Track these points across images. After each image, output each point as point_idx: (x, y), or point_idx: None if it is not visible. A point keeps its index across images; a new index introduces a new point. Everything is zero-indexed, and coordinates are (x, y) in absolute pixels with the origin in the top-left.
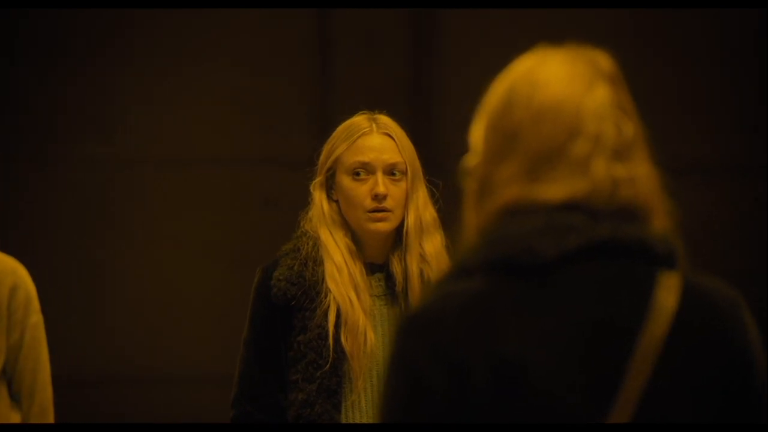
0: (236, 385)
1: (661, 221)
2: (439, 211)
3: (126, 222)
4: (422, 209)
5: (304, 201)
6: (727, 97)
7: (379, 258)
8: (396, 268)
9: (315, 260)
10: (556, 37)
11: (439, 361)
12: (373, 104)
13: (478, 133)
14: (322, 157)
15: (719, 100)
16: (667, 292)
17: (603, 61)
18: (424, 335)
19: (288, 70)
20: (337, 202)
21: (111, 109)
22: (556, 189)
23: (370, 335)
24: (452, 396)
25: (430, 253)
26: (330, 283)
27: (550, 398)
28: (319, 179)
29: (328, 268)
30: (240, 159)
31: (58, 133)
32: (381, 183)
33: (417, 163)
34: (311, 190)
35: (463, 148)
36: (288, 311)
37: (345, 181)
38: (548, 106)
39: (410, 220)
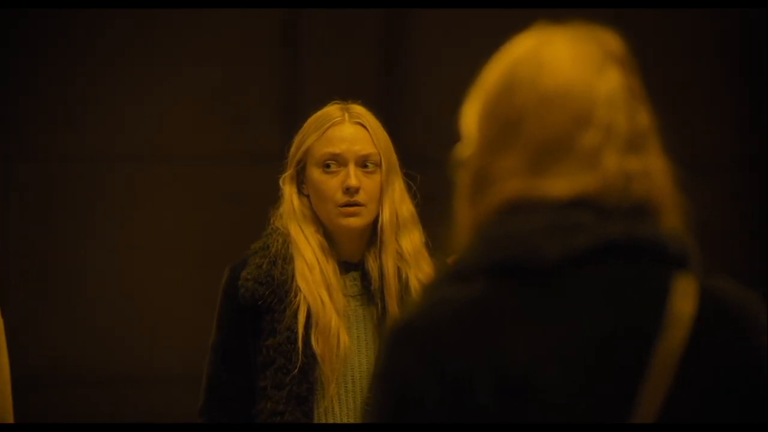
0: (204, 391)
1: (673, 219)
2: (417, 205)
3: (89, 218)
4: (398, 203)
5: (272, 196)
6: (728, 95)
7: (354, 256)
8: (371, 266)
9: (285, 258)
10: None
11: (433, 374)
12: (343, 97)
13: (471, 119)
14: (292, 149)
15: (720, 98)
16: (684, 297)
17: (612, 42)
18: (416, 346)
19: (256, 62)
20: (308, 196)
21: (75, 104)
22: (562, 184)
23: (344, 337)
24: (448, 413)
25: (407, 250)
26: (300, 282)
27: (560, 412)
28: (288, 173)
29: (299, 266)
30: (206, 154)
31: (21, 129)
32: (353, 175)
33: (392, 155)
34: (281, 185)
35: (434, 143)
36: (256, 313)
37: (315, 173)
38: (555, 90)
39: (385, 215)
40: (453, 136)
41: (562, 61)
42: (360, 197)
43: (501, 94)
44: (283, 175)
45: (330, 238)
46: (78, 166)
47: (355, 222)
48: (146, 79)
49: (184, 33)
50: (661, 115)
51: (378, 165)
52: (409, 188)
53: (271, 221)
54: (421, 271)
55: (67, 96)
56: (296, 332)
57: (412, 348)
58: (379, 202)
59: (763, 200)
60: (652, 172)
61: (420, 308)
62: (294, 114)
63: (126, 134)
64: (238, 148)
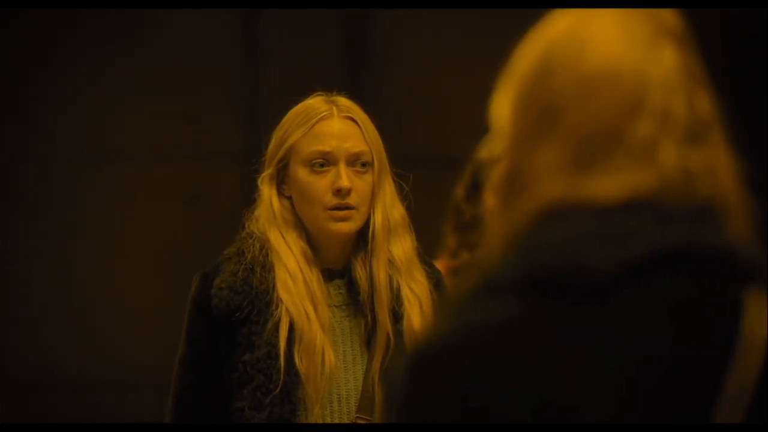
0: (171, 410)
1: (740, 224)
2: (408, 208)
3: (41, 218)
4: (390, 207)
5: (232, 197)
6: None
7: (338, 263)
8: (359, 274)
9: (263, 265)
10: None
11: (461, 409)
12: (305, 94)
13: (503, 108)
14: (271, 146)
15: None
16: (759, 316)
17: (667, 15)
18: (441, 377)
19: (214, 58)
20: (289, 198)
21: (28, 103)
22: (613, 183)
23: (329, 354)
24: None
25: (399, 257)
26: (282, 293)
27: None
28: (268, 172)
29: (281, 276)
30: (163, 153)
31: None
32: (344, 176)
33: (383, 153)
34: (259, 185)
35: (395, 145)
36: (231, 325)
37: (301, 173)
38: (601, 72)
39: (377, 219)
40: (417, 134)
41: (608, 37)
42: (351, 199)
43: (537, 79)
44: (262, 175)
45: (313, 243)
46: (31, 166)
47: (346, 227)
48: (102, 77)
49: (143, 30)
50: None
51: (370, 164)
52: (400, 189)
53: (246, 225)
54: (413, 279)
55: (20, 95)
56: (277, 347)
57: (437, 378)
58: (371, 204)
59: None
60: (716, 168)
61: (445, 331)
62: (255, 112)
63: (85, 134)
64: (195, 148)
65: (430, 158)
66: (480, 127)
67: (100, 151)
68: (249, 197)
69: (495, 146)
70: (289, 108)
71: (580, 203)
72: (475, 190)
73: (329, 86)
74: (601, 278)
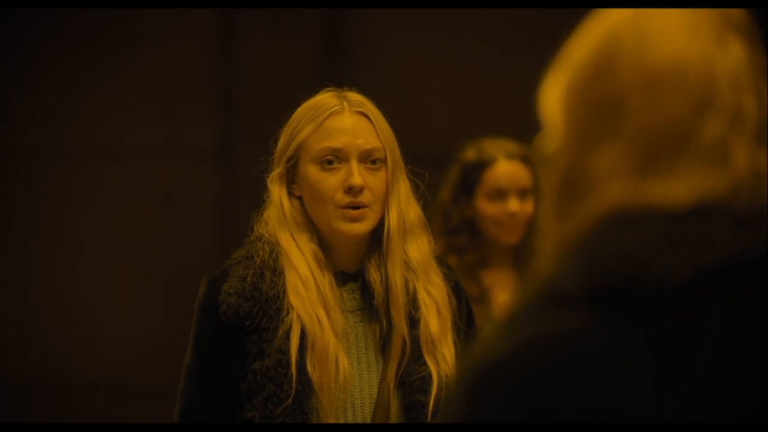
0: (178, 422)
1: None
2: (424, 208)
3: (14, 217)
4: (405, 206)
5: (208, 195)
6: None
7: (352, 266)
8: (374, 277)
9: (273, 270)
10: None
11: (531, 428)
12: (281, 91)
13: (556, 105)
14: (280, 144)
15: None
16: None
17: (732, 10)
18: (508, 394)
19: (189, 56)
20: (300, 199)
21: None
22: (682, 187)
23: (343, 362)
24: None
25: (415, 259)
26: (293, 299)
27: None
28: (277, 171)
29: (291, 281)
30: (137, 150)
31: None
32: (356, 173)
33: (397, 150)
34: (268, 185)
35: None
36: (241, 332)
37: (311, 171)
38: (667, 67)
39: (392, 218)
40: (394, 132)
41: (672, 30)
42: (365, 197)
43: (596, 73)
44: (271, 174)
45: (325, 246)
46: (3, 165)
47: (359, 228)
48: (75, 76)
49: (117, 29)
50: None
51: (383, 161)
52: (415, 188)
53: (255, 227)
54: (430, 282)
55: None
56: (289, 355)
57: (504, 396)
58: (384, 203)
59: None
60: None
61: (508, 346)
62: (230, 109)
63: (56, 131)
64: (170, 146)
65: (406, 157)
66: (459, 126)
67: (74, 149)
68: (224, 194)
69: (547, 146)
70: (263, 107)
71: (645, 208)
72: (462, 192)
73: (304, 85)
74: (673, 288)
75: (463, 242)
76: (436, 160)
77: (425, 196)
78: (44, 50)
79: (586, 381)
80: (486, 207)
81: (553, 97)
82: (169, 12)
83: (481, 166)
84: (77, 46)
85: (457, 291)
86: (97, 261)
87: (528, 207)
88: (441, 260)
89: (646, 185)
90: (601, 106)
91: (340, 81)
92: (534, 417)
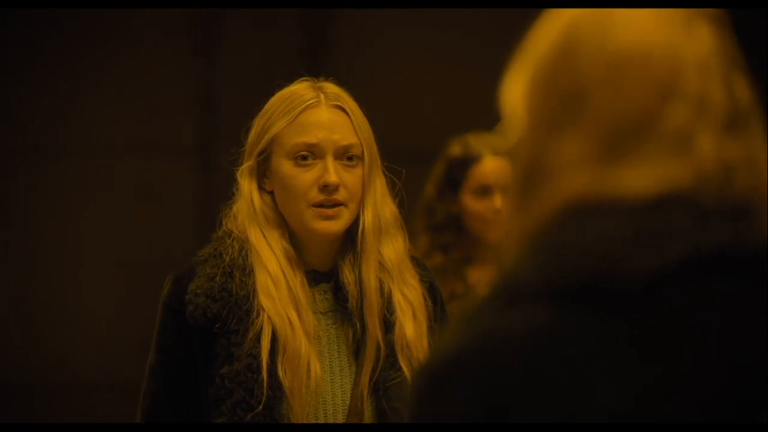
0: (141, 422)
1: None
2: (400, 206)
3: (10, 216)
4: (380, 204)
5: (187, 192)
6: None
7: (324, 265)
8: (347, 277)
9: (243, 269)
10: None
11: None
12: (262, 86)
13: (518, 94)
14: (252, 136)
15: None
16: None
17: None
18: (465, 390)
19: (169, 53)
20: (271, 193)
21: None
22: (645, 176)
23: (315, 366)
24: None
25: (390, 259)
26: (264, 300)
27: None
28: (247, 164)
29: (261, 280)
30: (116, 146)
31: None
32: (332, 170)
33: (374, 146)
34: (238, 178)
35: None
36: (209, 334)
37: (284, 166)
38: (631, 52)
39: (367, 217)
40: (377, 130)
41: (638, 14)
42: (340, 195)
43: (558, 60)
44: (241, 168)
45: (296, 243)
46: None
47: (333, 227)
48: (56, 73)
49: (98, 26)
50: None
51: (360, 157)
52: (391, 185)
53: (223, 222)
54: (405, 284)
55: None
56: (260, 359)
57: (460, 393)
58: (360, 201)
59: None
60: (755, 160)
61: (465, 341)
62: (209, 105)
63: (35, 128)
64: (149, 142)
65: (390, 154)
66: (443, 123)
67: (55, 146)
68: (204, 191)
69: (510, 135)
70: (244, 104)
71: (608, 198)
72: (447, 188)
73: (286, 84)
74: (638, 283)
75: (448, 239)
76: (421, 157)
77: (401, 194)
78: (44, 50)
79: (547, 376)
80: (471, 203)
81: (515, 84)
82: (151, 12)
83: (467, 162)
84: (77, 46)
85: (432, 292)
86: (97, 261)
87: None
88: (416, 260)
89: (610, 174)
90: (563, 93)
91: (322, 72)
92: (490, 412)
